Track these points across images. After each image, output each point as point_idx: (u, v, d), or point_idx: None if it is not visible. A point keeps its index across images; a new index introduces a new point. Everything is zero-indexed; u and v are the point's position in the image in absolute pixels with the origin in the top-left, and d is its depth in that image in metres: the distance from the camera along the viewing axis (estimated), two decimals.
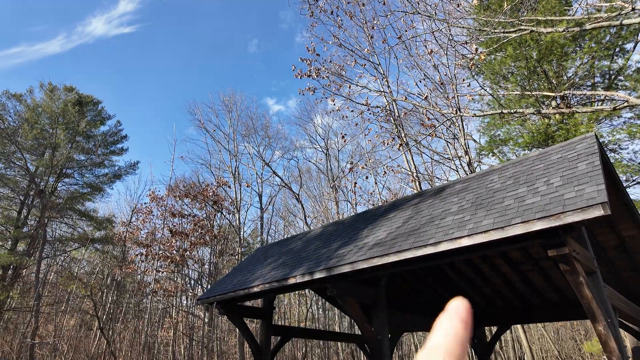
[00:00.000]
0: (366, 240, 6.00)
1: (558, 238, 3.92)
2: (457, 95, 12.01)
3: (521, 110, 8.45)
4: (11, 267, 19.64)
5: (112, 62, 60.67)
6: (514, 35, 8.08)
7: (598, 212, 3.58)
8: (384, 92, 17.05)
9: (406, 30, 13.31)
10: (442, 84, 16.30)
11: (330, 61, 17.16)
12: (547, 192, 4.31)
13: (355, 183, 16.77)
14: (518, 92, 9.54)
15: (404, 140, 16.98)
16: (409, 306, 8.75)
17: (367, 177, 15.94)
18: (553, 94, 9.07)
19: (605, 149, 11.22)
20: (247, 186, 20.18)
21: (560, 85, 11.35)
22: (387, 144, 15.23)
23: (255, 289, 6.87)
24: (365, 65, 17.92)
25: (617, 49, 10.53)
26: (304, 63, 16.70)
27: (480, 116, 10.09)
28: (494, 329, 9.72)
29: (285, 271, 6.69)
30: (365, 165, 16.52)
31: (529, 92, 9.67)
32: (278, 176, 21.18)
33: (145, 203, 32.64)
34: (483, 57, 8.82)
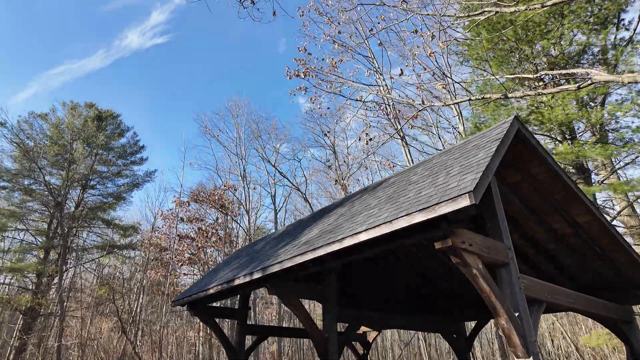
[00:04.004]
0: (301, 238, 6.04)
1: (443, 230, 3.80)
2: (445, 85, 11.67)
3: (488, 96, 8.12)
4: (44, 275, 21.17)
5: (148, 73, 63.53)
6: (480, 17, 7.81)
7: (465, 202, 3.43)
8: (378, 85, 16.85)
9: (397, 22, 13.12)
10: (441, 73, 15.88)
11: (323, 59, 17.20)
12: (441, 182, 4.17)
13: (359, 180, 16.72)
14: (493, 76, 9.12)
15: (402, 133, 16.71)
16: (370, 303, 8.65)
17: (366, 168, 15.84)
18: (530, 76, 8.64)
19: (599, 128, 10.52)
20: (254, 188, 20.63)
21: (549, 65, 10.77)
22: (376, 139, 15.05)
23: (211, 291, 7.08)
24: (354, 57, 17.79)
25: (604, 23, 9.84)
26: (297, 63, 16.86)
27: (450, 105, 9.76)
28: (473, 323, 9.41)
29: (235, 272, 6.85)
30: (363, 163, 16.39)
31: (501, 76, 9.23)
32: (285, 177, 21.46)
33: (170, 209, 34.05)
34: (442, 46, 8.53)
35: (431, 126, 15.39)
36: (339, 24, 14.83)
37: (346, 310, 7.23)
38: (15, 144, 21.89)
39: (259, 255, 7.09)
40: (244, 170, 21.67)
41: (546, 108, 8.76)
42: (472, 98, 8.67)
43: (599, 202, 11.08)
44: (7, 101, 54.34)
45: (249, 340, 12.03)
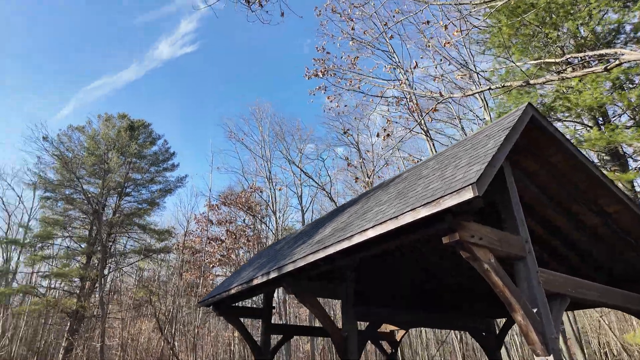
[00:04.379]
0: (315, 237, 6.03)
1: (449, 223, 3.67)
2: (462, 76, 11.31)
3: (509, 84, 7.81)
4: (87, 280, 22.34)
5: (178, 82, 65.75)
6: (498, 3, 7.54)
7: (468, 194, 3.30)
8: (397, 80, 16.58)
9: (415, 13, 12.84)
10: (464, 62, 15.44)
11: (342, 57, 17.11)
12: (449, 175, 4.04)
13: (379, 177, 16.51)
14: (513, 63, 8.72)
15: (425, 127, 16.36)
16: (390, 300, 8.50)
17: (387, 164, 15.63)
18: (556, 60, 8.22)
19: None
20: (280, 190, 20.87)
21: (577, 47, 10.20)
22: (399, 134, 14.81)
23: (233, 291, 7.22)
24: (374, 52, 17.57)
25: None
26: (316, 63, 16.87)
27: (470, 95, 9.40)
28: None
29: (254, 273, 6.94)
30: (387, 159, 16.20)
31: (524, 62, 8.81)
32: (310, 177, 21.55)
33: (202, 212, 35.05)
34: (457, 34, 8.25)
35: (454, 118, 14.94)
36: (351, 20, 14.69)
37: (365, 308, 7.16)
38: (55, 157, 23.23)
39: (277, 255, 7.15)
40: (270, 172, 22.00)
41: (573, 93, 8.27)
42: (492, 87, 8.37)
43: (638, 189, 10.35)
44: (50, 117, 57.87)
45: (275, 339, 12.19)
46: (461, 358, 20.24)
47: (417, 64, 9.77)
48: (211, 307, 8.61)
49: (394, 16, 12.07)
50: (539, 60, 8.97)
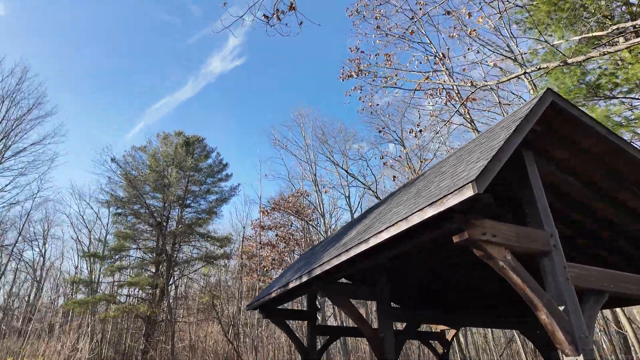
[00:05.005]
0: (343, 240, 6.13)
1: (457, 222, 3.60)
2: (496, 63, 10.74)
3: (545, 66, 7.35)
4: (156, 287, 24.24)
5: (229, 94, 69.04)
6: None
7: (469, 192, 3.21)
8: (435, 71, 16.09)
9: None
10: (505, 48, 14.64)
11: (377, 54, 16.95)
12: (460, 171, 3.95)
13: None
14: (546, 42, 8.12)
15: (469, 117, 15.70)
16: (426, 301, 8.28)
17: (425, 160, 15.19)
18: (601, 33, 7.58)
19: None
20: (326, 192, 21.13)
21: (632, 16, 9.28)
22: (443, 128, 14.34)
23: (273, 295, 7.53)
24: (411, 45, 17.13)
25: None
26: (351, 63, 16.88)
27: (505, 81, 8.84)
28: None
29: (291, 277, 7.19)
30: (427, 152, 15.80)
31: (566, 39, 8.15)
32: (355, 178, 21.56)
33: (257, 219, 36.47)
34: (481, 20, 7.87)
35: (496, 105, 14.12)
36: (384, 16, 14.53)
37: (401, 309, 7.11)
38: (122, 176, 25.51)
39: (311, 258, 7.35)
40: (315, 176, 22.34)
41: (623, 68, 7.49)
42: (527, 71, 7.91)
43: None
44: (119, 140, 63.40)
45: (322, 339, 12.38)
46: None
47: (448, 50, 9.43)
48: (258, 310, 9.02)
49: (420, 8, 11.75)
50: (582, 36, 8.31)
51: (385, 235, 4.26)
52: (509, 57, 12.99)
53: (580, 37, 7.96)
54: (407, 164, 23.37)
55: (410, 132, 11.13)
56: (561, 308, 3.69)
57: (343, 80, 15.73)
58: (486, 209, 3.75)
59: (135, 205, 25.61)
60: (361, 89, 16.11)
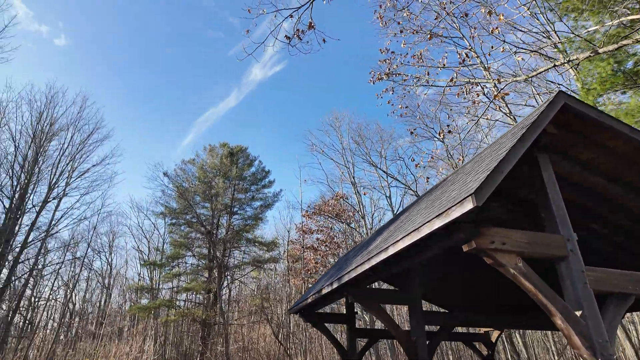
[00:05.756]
0: (370, 246, 6.36)
1: (464, 233, 3.73)
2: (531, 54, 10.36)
3: (574, 57, 7.13)
4: (209, 292, 25.63)
5: (270, 101, 71.09)
6: None
7: (469, 205, 3.35)
8: (469, 65, 15.71)
9: None
10: (543, 34, 14.05)
11: (407, 54, 16.83)
12: (467, 182, 4.06)
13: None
14: (574, 32, 7.77)
15: (507, 110, 15.19)
16: (464, 301, 8.20)
17: (460, 159, 14.82)
18: (637, 16, 7.21)
19: None
20: (364, 194, 21.24)
21: None
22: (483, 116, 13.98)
23: (309, 300, 7.90)
24: (443, 41, 16.81)
25: None
26: (383, 65, 16.91)
27: (534, 76, 8.48)
28: None
29: (324, 282, 7.53)
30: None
31: (602, 24, 7.73)
32: (395, 178, 21.49)
33: (302, 222, 37.27)
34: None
35: (539, 95, 13.47)
36: (412, 13, 14.44)
37: (435, 313, 7.17)
38: (175, 188, 27.25)
39: (343, 265, 7.63)
40: (353, 178, 22.51)
41: None
42: (557, 64, 7.68)
43: None
44: (171, 153, 67.28)
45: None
46: None
47: (482, 42, 9.24)
48: (298, 314, 9.44)
49: (451, 2, 11.56)
50: (619, 20, 7.92)
51: (401, 245, 4.46)
52: (547, 46, 12.46)
53: (620, 20, 7.60)
54: (449, 160, 22.90)
55: (439, 135, 11.02)
56: (579, 313, 3.70)
57: (374, 83, 15.82)
58: (497, 217, 3.86)
59: (187, 215, 27.23)
60: (393, 91, 16.12)
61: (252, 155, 31.11)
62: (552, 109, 4.21)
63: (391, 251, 4.67)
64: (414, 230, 4.19)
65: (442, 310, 8.59)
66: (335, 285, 6.44)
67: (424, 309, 7.03)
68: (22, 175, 21.51)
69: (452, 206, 3.60)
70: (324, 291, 6.98)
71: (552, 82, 14.30)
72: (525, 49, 11.23)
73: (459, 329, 19.68)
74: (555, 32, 13.98)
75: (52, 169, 23.09)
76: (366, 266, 5.31)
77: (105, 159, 28.94)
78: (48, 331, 32.49)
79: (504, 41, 13.17)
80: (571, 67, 8.02)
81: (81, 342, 28.29)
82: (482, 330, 10.27)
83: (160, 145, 68.67)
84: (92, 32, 60.92)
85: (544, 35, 14.08)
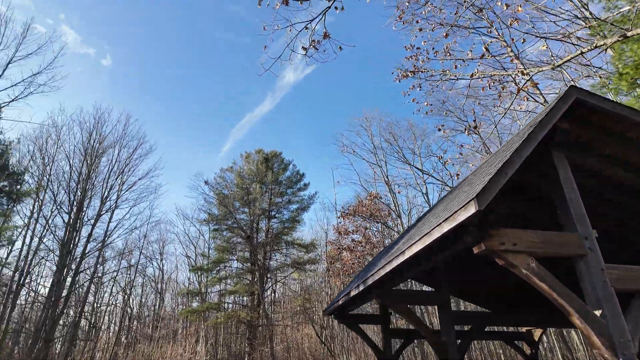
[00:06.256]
0: (394, 248, 6.45)
1: (472, 235, 3.77)
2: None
3: (602, 43, 6.83)
4: (251, 294, 26.48)
5: (303, 103, 72.05)
6: None
7: (472, 209, 3.40)
8: (497, 55, 15.19)
9: None
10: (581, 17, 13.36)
11: (433, 48, 16.52)
12: (476, 183, 4.08)
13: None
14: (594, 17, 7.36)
15: (542, 99, 14.56)
16: (498, 300, 8.00)
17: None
18: None
19: None
20: (399, 192, 21.06)
21: None
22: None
23: (340, 302, 8.11)
24: (470, 32, 16.35)
25: None
26: (409, 61, 16.72)
27: (561, 64, 8.03)
28: None
29: (353, 285, 7.69)
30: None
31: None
32: (429, 174, 21.14)
33: (340, 222, 37.44)
34: None
35: (574, 81, 12.73)
36: (436, 7, 14.20)
37: (465, 313, 7.11)
38: (215, 196, 28.42)
39: (371, 266, 7.76)
40: (387, 177, 22.37)
41: None
42: (584, 51, 7.37)
43: None
44: (213, 160, 69.89)
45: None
46: None
47: (511, 25, 8.91)
48: (332, 315, 9.66)
49: None
50: None
51: (415, 249, 4.56)
52: (579, 30, 11.84)
53: None
54: (486, 153, 22.16)
55: (464, 131, 10.79)
56: (598, 312, 3.64)
57: (399, 81, 15.71)
58: (522, 213, 3.86)
59: (228, 220, 28.31)
60: (420, 87, 15.91)
61: (287, 159, 31.77)
62: (562, 105, 4.14)
63: (408, 254, 4.77)
64: (426, 234, 4.28)
65: (480, 309, 8.41)
66: (361, 288, 6.59)
67: (462, 308, 7.02)
68: (78, 191, 23.37)
69: (458, 210, 3.67)
70: (352, 293, 7.15)
71: (591, 66, 13.51)
72: (553, 37, 10.77)
73: (498, 328, 19.01)
74: (591, 15, 13.28)
75: (103, 184, 24.90)
76: (387, 269, 5.43)
77: (150, 172, 30.71)
78: (111, 334, 34.99)
79: (534, 28, 12.66)
80: (604, 51, 7.59)
81: (139, 344, 30.21)
82: (524, 328, 9.98)
83: (202, 154, 71.52)
84: (132, 49, 64.66)
85: (577, 18, 13.38)
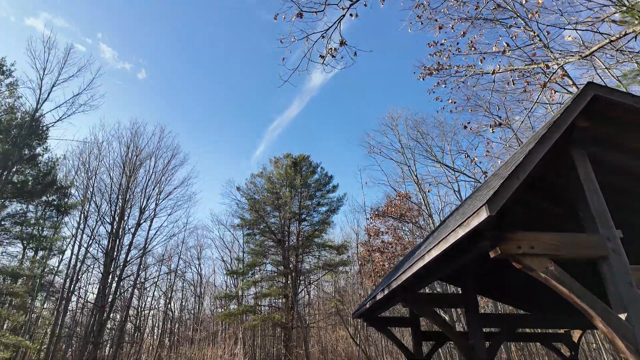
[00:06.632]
0: (416, 252, 6.46)
1: (489, 239, 3.76)
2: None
3: (631, 30, 6.56)
4: (288, 296, 26.89)
5: (330, 104, 72.33)
6: None
7: (484, 215, 3.40)
8: (525, 45, 14.71)
9: None
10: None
11: (457, 44, 16.19)
12: (492, 187, 4.06)
13: None
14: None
15: (577, 88, 13.93)
16: (529, 300, 7.75)
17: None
18: None
19: None
20: (428, 191, 20.74)
21: None
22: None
23: (367, 306, 8.17)
24: (496, 25, 15.89)
25: None
26: (433, 58, 16.48)
27: (588, 55, 7.65)
28: None
29: (379, 288, 7.74)
30: None
31: None
32: (460, 172, 20.70)
33: (370, 224, 37.25)
34: None
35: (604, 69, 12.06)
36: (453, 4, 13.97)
37: (492, 315, 6.99)
38: (247, 201, 29.12)
39: (396, 270, 7.77)
40: (416, 176, 22.10)
41: None
42: (612, 39, 7.09)
43: None
44: (245, 165, 71.46)
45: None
46: None
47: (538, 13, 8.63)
48: (361, 318, 9.72)
49: None
50: None
51: (434, 253, 4.58)
52: (615, 13, 11.29)
53: None
54: (518, 145, 21.36)
55: (490, 128, 10.52)
56: (623, 316, 3.54)
57: (423, 79, 15.51)
58: (551, 210, 3.82)
59: (260, 225, 28.92)
60: (445, 84, 15.63)
61: (315, 162, 32.04)
62: (579, 104, 4.05)
63: (427, 259, 4.79)
64: (442, 240, 4.30)
65: (517, 310, 8.20)
66: (386, 292, 6.64)
67: (501, 310, 6.92)
68: (119, 202, 24.66)
69: (471, 215, 3.69)
70: (378, 297, 7.21)
71: (626, 52, 12.77)
72: (581, 26, 10.34)
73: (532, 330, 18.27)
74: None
75: (141, 194, 26.14)
76: (408, 274, 5.47)
77: (184, 181, 31.91)
78: (155, 336, 36.60)
79: (562, 17, 12.19)
80: (634, 38, 7.21)
81: (181, 346, 31.39)
82: (562, 330, 9.63)
83: (235, 159, 73.34)
84: (165, 61, 67.41)
85: (610, 1, 12.75)
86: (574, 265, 4.24)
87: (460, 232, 3.89)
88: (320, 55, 8.24)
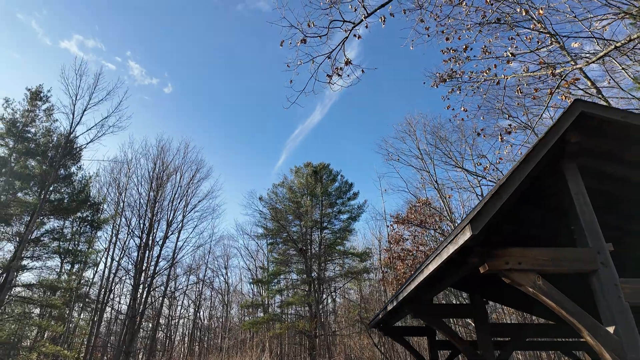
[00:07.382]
0: (424, 262, 6.62)
1: (477, 255, 3.93)
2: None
3: (636, 36, 6.56)
4: (311, 304, 27.15)
5: (350, 109, 72.59)
6: None
7: (468, 234, 3.58)
8: (538, 48, 14.55)
9: None
10: None
11: (471, 49, 16.15)
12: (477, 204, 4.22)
13: None
14: None
15: (602, 97, 13.68)
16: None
17: None
18: None
19: None
20: (449, 197, 20.58)
21: None
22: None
23: (380, 316, 8.35)
24: (512, 28, 15.76)
25: None
26: (448, 62, 16.49)
27: (594, 61, 7.53)
28: None
29: (390, 300, 7.90)
30: None
31: None
32: (482, 177, 20.46)
33: (392, 230, 37.05)
34: None
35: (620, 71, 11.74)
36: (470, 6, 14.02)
37: (502, 325, 7.02)
38: (269, 211, 29.69)
39: (407, 280, 7.91)
40: (436, 182, 21.98)
41: None
42: (617, 45, 7.07)
43: None
44: (268, 174, 72.56)
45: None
46: None
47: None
48: (376, 328, 9.86)
49: None
50: None
51: (431, 268, 4.76)
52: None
53: None
54: None
55: (505, 131, 10.47)
56: (611, 329, 3.63)
57: (437, 86, 15.55)
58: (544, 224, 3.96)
59: (283, 234, 29.40)
60: (460, 90, 15.62)
61: (335, 170, 32.29)
62: (567, 120, 4.17)
63: (426, 273, 4.98)
64: (437, 255, 4.50)
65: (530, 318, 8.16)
66: (394, 303, 6.82)
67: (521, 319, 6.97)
68: (147, 215, 25.74)
69: (458, 234, 3.88)
70: (389, 307, 7.38)
71: None
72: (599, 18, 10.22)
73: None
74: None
75: (169, 208, 27.17)
76: (412, 286, 5.65)
77: (209, 193, 33.02)
78: (185, 344, 37.62)
79: (575, 18, 12.09)
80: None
81: (210, 354, 32.13)
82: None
83: (255, 170, 74.70)
84: (190, 74, 69.74)
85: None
86: (567, 278, 4.33)
87: (451, 249, 4.08)
88: (327, 75, 8.59)
